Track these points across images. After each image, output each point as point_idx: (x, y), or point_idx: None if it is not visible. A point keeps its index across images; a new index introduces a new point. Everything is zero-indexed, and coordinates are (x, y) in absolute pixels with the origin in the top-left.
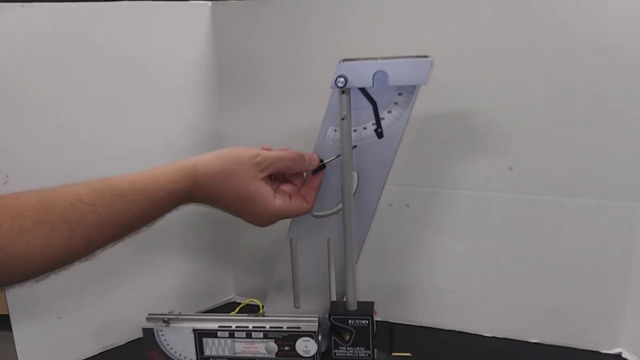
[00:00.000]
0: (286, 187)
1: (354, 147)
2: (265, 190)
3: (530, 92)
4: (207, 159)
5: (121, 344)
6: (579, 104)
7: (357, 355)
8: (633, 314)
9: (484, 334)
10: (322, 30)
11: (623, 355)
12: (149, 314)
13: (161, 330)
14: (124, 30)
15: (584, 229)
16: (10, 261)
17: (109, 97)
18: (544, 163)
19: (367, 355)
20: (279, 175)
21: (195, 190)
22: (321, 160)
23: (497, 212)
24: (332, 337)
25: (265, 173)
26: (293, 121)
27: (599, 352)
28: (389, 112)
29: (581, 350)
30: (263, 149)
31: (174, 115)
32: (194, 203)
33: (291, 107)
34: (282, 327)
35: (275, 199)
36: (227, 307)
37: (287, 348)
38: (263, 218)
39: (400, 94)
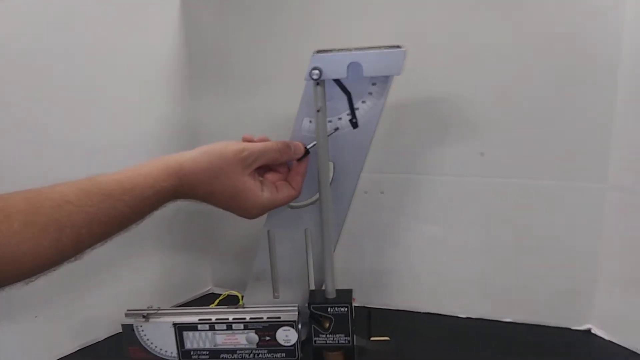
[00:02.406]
0: (271, 176)
1: (336, 129)
2: (251, 184)
3: (499, 79)
4: (192, 156)
5: (99, 339)
6: (546, 89)
7: (337, 342)
8: (602, 291)
9: (459, 315)
10: (295, 19)
11: (592, 331)
12: (128, 310)
13: (141, 326)
14: (92, 22)
15: (554, 210)
16: (0, 264)
17: (80, 90)
18: (514, 148)
19: (346, 341)
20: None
21: (182, 188)
22: (305, 147)
23: (470, 196)
24: (312, 325)
25: (252, 167)
26: (267, 110)
27: (569, 329)
28: (364, 102)
29: (553, 327)
30: (244, 138)
31: (146, 106)
32: (181, 200)
33: (264, 97)
34: (262, 318)
35: (263, 192)
36: (205, 299)
37: (267, 338)
38: (252, 212)
39: (374, 84)
